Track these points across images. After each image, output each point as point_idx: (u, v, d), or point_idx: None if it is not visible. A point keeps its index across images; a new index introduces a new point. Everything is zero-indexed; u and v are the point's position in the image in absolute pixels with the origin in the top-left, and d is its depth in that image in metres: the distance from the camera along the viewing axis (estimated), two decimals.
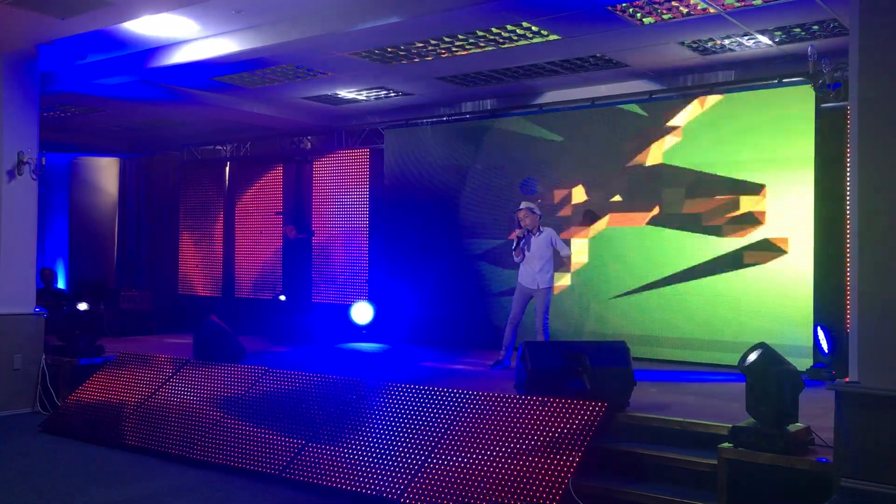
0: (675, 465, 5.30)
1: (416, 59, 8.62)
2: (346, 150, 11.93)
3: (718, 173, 8.60)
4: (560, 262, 8.87)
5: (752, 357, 4.97)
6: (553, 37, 7.78)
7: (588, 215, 9.43)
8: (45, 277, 12.22)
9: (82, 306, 9.02)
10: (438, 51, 8.30)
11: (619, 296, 9.21)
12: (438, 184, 10.79)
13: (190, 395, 7.44)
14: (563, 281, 9.58)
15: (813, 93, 7.73)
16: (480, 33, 7.70)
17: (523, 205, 8.39)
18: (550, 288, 8.27)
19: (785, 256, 8.17)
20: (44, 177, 8.99)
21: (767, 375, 4.84)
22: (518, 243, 8.26)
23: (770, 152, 8.28)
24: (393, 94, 10.40)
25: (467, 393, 6.18)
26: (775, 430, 4.77)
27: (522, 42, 7.96)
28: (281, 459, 6.24)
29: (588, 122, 9.54)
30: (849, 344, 4.50)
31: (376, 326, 10.95)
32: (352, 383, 6.80)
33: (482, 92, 10.13)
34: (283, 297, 11.53)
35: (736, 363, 5.17)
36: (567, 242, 9.15)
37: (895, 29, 4.34)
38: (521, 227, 8.29)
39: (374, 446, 6.01)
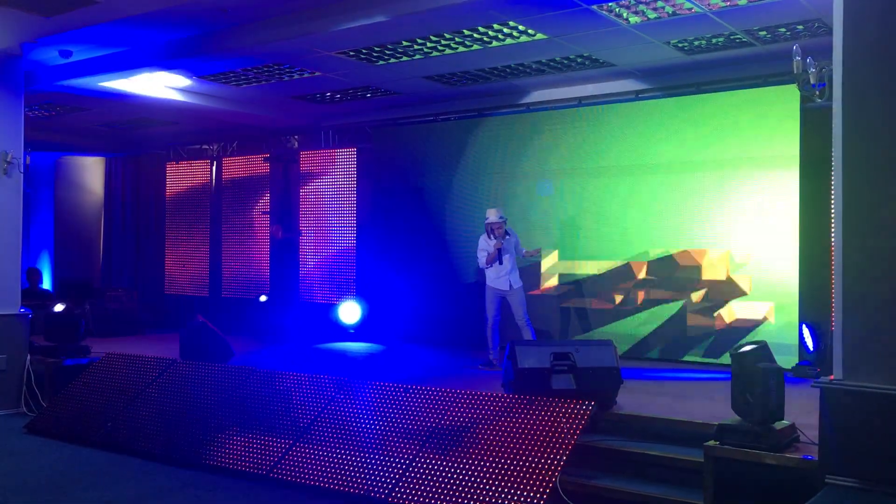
0: (662, 462, 5.33)
1: (404, 58, 8.62)
2: (334, 149, 11.90)
3: (704, 171, 8.64)
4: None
5: (744, 350, 5.01)
6: (540, 36, 7.79)
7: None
8: (30, 277, 12.16)
9: (58, 307, 8.93)
10: (425, 50, 8.30)
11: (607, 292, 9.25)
12: (426, 182, 10.78)
13: (176, 396, 7.41)
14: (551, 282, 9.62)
15: (798, 92, 7.76)
16: (467, 32, 7.70)
17: (498, 216, 8.22)
18: (523, 286, 8.33)
19: (770, 255, 8.20)
20: (28, 176, 8.94)
21: (755, 372, 4.87)
22: (500, 255, 8.14)
23: (755, 152, 8.32)
24: (380, 93, 10.39)
25: (455, 392, 6.19)
26: (761, 427, 4.80)
27: (509, 41, 7.96)
28: (268, 459, 6.23)
29: (574, 122, 9.56)
30: (833, 342, 4.54)
31: (364, 326, 10.93)
32: (339, 383, 6.79)
33: (469, 91, 10.13)
34: (263, 298, 11.49)
35: (721, 361, 5.19)
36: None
37: (878, 29, 4.37)
38: (495, 237, 8.16)
39: (361, 445, 6.00)
